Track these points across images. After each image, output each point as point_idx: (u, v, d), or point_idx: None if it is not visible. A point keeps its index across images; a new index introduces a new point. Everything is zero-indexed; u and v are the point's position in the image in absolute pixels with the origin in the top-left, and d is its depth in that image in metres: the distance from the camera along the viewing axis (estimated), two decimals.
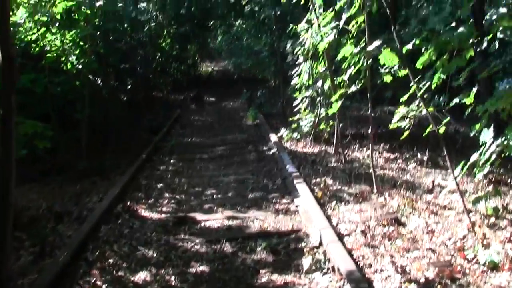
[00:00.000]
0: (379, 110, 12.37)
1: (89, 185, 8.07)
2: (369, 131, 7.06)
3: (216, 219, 6.15)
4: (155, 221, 6.20)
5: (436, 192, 6.60)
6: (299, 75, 10.16)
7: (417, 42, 4.98)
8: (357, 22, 6.51)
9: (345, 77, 6.82)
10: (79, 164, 8.64)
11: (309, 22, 9.05)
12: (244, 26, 32.62)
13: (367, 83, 6.58)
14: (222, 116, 15.92)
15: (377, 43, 6.07)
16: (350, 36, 6.82)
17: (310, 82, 9.87)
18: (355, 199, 6.47)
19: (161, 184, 8.02)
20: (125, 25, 15.79)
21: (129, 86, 16.95)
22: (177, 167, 9.21)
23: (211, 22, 30.43)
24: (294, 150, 9.65)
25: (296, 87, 10.39)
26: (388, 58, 5.87)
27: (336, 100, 6.77)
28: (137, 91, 17.99)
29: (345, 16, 6.68)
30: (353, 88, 6.73)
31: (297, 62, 10.35)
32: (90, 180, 8.34)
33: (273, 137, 10.45)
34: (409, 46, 5.09)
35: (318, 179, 7.45)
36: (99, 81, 10.84)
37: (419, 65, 5.01)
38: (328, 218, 5.59)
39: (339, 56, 6.69)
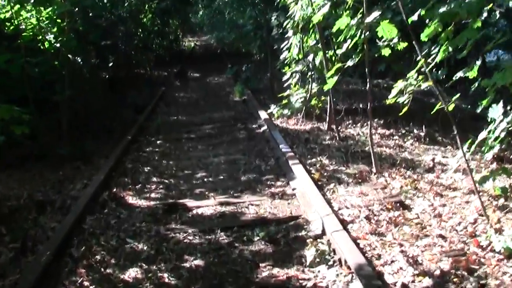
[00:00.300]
0: (371, 84, 12.01)
1: (72, 171, 7.66)
2: (368, 108, 6.69)
3: (208, 206, 5.78)
4: (144, 209, 5.83)
5: (438, 170, 6.31)
6: (288, 49, 9.75)
7: (423, 12, 4.58)
8: None
9: (341, 51, 6.44)
10: (60, 148, 8.19)
11: None
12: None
13: (365, 57, 6.21)
14: (207, 93, 15.46)
15: (376, 14, 5.68)
16: (346, 7, 6.42)
17: (300, 56, 9.48)
18: (355, 180, 6.15)
19: (148, 168, 7.62)
20: (105, 1, 15.22)
21: (110, 64, 16.46)
22: (164, 148, 8.81)
23: None
24: (286, 127, 9.29)
25: (285, 62, 9.97)
26: (387, 30, 5.53)
27: (332, 76, 6.40)
28: (119, 68, 17.48)
29: None
30: (350, 63, 6.36)
31: (286, 36, 9.92)
32: (73, 165, 7.93)
33: (263, 114, 10.07)
34: (415, 17, 4.70)
35: (313, 159, 7.12)
36: (79, 60, 10.35)
37: (424, 37, 4.63)
38: (329, 203, 5.25)
39: (334, 29, 6.30)
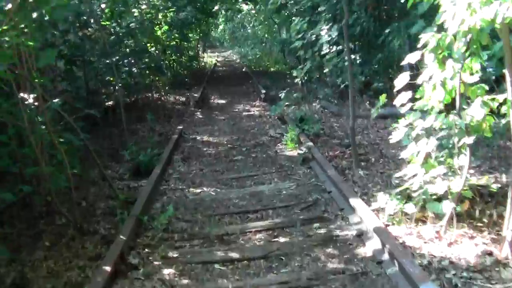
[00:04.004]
0: None
1: None
2: None
3: None
4: None
5: None
6: (411, 87, 4.92)
7: None
8: None
9: None
10: None
11: None
12: (253, 12, 27.46)
13: None
14: (242, 134, 10.41)
15: None
16: None
17: (443, 100, 4.64)
18: None
19: None
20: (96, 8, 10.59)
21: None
22: None
23: (215, 8, 25.29)
24: (424, 252, 4.39)
25: (402, 109, 5.11)
26: None
27: None
28: (124, 94, 12.86)
29: None
30: None
31: (403, 63, 5.02)
32: None
33: (360, 206, 5.24)
34: None
35: None
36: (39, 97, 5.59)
37: None
38: None
39: None
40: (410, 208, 4.89)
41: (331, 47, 12.77)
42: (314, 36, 13.21)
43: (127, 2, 10.84)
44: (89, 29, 10.77)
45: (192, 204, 6.35)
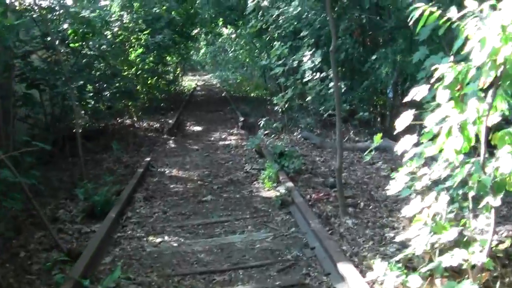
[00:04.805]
0: None
1: None
2: None
3: None
4: None
5: None
6: (420, 133, 3.90)
7: None
8: None
9: None
10: None
11: None
12: (234, 36, 26.51)
13: None
14: (214, 168, 9.28)
15: None
16: None
17: (465, 149, 3.59)
18: None
19: None
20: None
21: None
22: None
23: (195, 31, 24.38)
24: None
25: (405, 157, 4.06)
26: None
27: None
28: (77, 124, 11.77)
29: None
30: None
31: (406, 99, 3.99)
32: None
33: (350, 275, 4.18)
34: None
35: None
36: None
37: None
38: None
39: None
40: (415, 281, 3.81)
41: (314, 73, 11.82)
42: (296, 62, 12.26)
43: (90, 22, 9.76)
44: (51, 51, 9.67)
45: (149, 259, 5.22)
